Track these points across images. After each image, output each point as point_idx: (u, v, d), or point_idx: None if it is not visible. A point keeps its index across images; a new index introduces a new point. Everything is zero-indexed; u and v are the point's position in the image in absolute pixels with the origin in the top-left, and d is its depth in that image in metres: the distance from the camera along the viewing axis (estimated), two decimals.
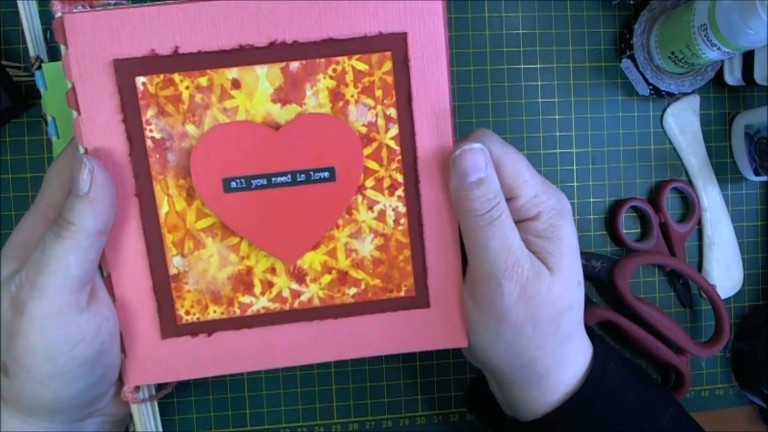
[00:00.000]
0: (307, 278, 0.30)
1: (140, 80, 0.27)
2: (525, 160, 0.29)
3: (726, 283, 0.46)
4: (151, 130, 0.28)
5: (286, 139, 0.28)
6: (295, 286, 0.30)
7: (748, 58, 0.43)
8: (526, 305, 0.28)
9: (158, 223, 0.28)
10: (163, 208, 0.28)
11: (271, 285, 0.30)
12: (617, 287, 0.43)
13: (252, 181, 0.28)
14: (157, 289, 0.29)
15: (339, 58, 0.28)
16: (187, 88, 0.27)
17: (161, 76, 0.27)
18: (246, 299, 0.30)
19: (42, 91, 0.38)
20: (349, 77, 0.28)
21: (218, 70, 0.27)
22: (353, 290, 0.30)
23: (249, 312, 0.30)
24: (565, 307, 0.29)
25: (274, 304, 0.30)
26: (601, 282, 0.44)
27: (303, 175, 0.28)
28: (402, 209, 0.29)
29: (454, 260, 0.30)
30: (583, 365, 0.31)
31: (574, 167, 0.45)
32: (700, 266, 0.46)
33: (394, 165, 0.29)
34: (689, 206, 0.46)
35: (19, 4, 0.39)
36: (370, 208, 0.29)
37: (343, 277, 0.30)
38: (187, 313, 0.30)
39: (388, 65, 0.28)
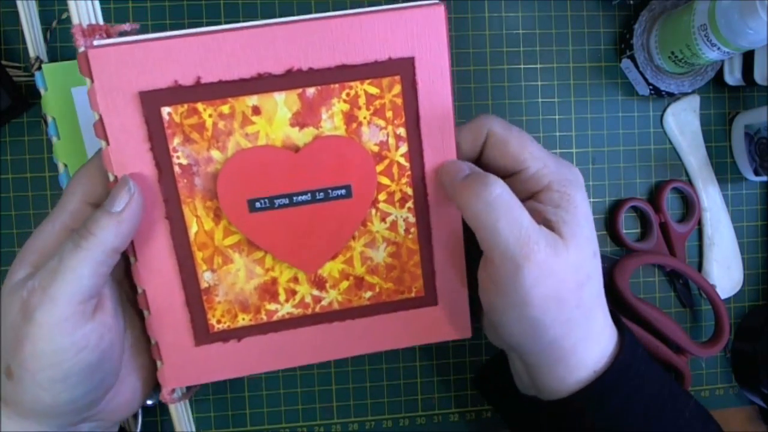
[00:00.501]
0: (327, 285, 0.32)
1: (165, 110, 0.28)
2: (530, 136, 0.30)
3: (726, 283, 0.46)
4: (178, 157, 0.29)
5: (305, 160, 0.30)
6: (316, 292, 0.32)
7: (748, 58, 0.43)
8: (547, 281, 0.28)
9: (188, 242, 0.30)
10: (193, 228, 0.30)
11: (294, 293, 0.32)
12: (617, 287, 0.43)
13: (275, 201, 0.30)
14: (189, 302, 0.31)
15: (352, 83, 0.29)
16: (210, 116, 0.29)
17: (185, 105, 0.28)
18: (272, 306, 0.32)
19: (42, 91, 0.38)
20: (362, 100, 0.29)
21: (239, 98, 0.29)
22: (369, 293, 0.33)
23: (275, 318, 0.32)
24: (585, 277, 0.29)
25: (297, 309, 0.32)
26: None
27: (322, 194, 0.30)
28: (412, 219, 0.32)
29: (459, 262, 0.33)
30: (609, 346, 0.31)
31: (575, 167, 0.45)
32: (700, 266, 0.46)
33: (404, 180, 0.31)
34: (689, 206, 0.46)
35: (19, 4, 0.39)
36: (383, 219, 0.32)
37: (359, 282, 0.32)
38: (219, 322, 0.32)
39: (397, 88, 0.30)
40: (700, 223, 0.46)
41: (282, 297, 0.32)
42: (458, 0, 0.43)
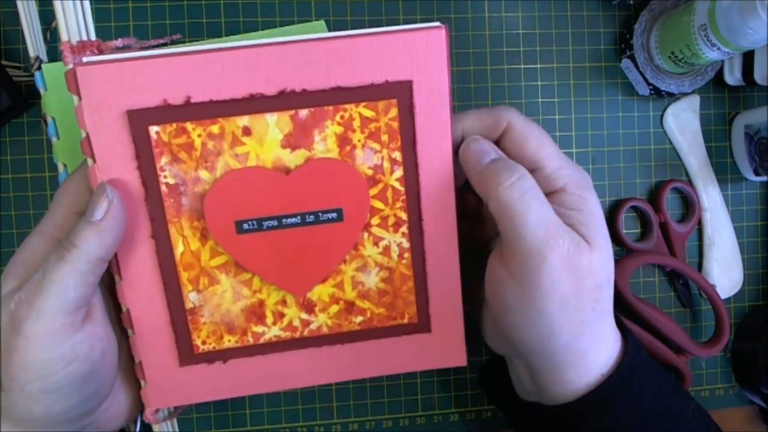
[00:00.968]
0: (316, 308, 0.32)
1: (153, 129, 0.28)
2: (548, 135, 0.30)
3: (726, 283, 0.46)
4: (165, 176, 0.29)
5: (295, 183, 0.29)
6: (304, 316, 0.32)
7: (748, 58, 0.43)
8: (570, 278, 0.28)
9: (174, 262, 0.30)
10: (179, 248, 0.30)
11: (282, 315, 0.31)
12: (617, 287, 0.43)
13: (263, 223, 0.29)
14: (174, 322, 0.31)
15: (346, 106, 0.29)
16: (199, 136, 0.28)
17: (174, 125, 0.28)
18: (259, 329, 0.31)
19: (42, 91, 0.38)
20: (356, 123, 0.29)
21: (229, 119, 0.28)
22: (359, 318, 0.32)
23: (262, 340, 0.32)
24: (604, 280, 0.29)
25: (285, 332, 0.32)
26: None
27: (312, 216, 0.30)
28: (406, 245, 0.31)
29: (455, 288, 0.32)
30: (615, 347, 0.31)
31: None
32: (700, 266, 0.46)
33: (398, 204, 0.30)
34: (689, 206, 0.46)
35: (19, 4, 0.39)
36: (376, 243, 0.31)
37: (350, 307, 0.32)
38: (204, 343, 0.31)
39: (393, 112, 0.29)
40: (700, 223, 0.46)
41: (269, 320, 0.31)
42: (458, 0, 0.43)
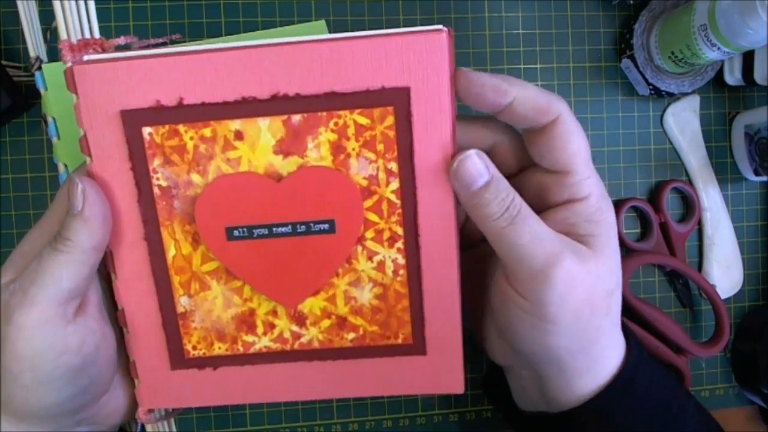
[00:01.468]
0: (307, 321, 0.31)
1: (146, 130, 0.28)
2: (587, 141, 0.29)
3: (726, 283, 0.46)
4: (158, 179, 0.28)
5: (287, 190, 0.28)
6: (295, 328, 0.31)
7: (748, 58, 0.43)
8: (580, 289, 0.28)
9: (166, 265, 0.30)
10: (171, 252, 0.29)
11: (272, 326, 0.31)
12: None
13: (254, 231, 0.29)
14: (166, 325, 0.31)
15: (341, 112, 0.27)
16: (191, 138, 0.28)
17: (166, 126, 0.28)
18: (249, 338, 0.31)
19: (42, 91, 0.38)
20: (351, 131, 0.28)
21: (221, 122, 0.28)
22: (351, 335, 0.31)
23: (252, 350, 0.31)
24: (613, 285, 0.29)
25: (275, 344, 0.31)
26: None
27: (303, 227, 0.29)
28: (401, 261, 0.30)
29: (454, 310, 0.30)
30: (622, 351, 0.31)
31: None
32: (700, 266, 0.46)
33: (394, 218, 0.29)
34: (689, 206, 0.46)
35: (19, 4, 0.39)
36: (370, 258, 0.30)
37: (342, 323, 0.31)
38: (194, 348, 0.31)
39: (390, 120, 0.28)
40: (700, 223, 0.46)
41: (260, 329, 0.31)
42: (458, 0, 0.43)
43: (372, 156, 0.28)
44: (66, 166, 0.39)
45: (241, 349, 0.31)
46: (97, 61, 0.27)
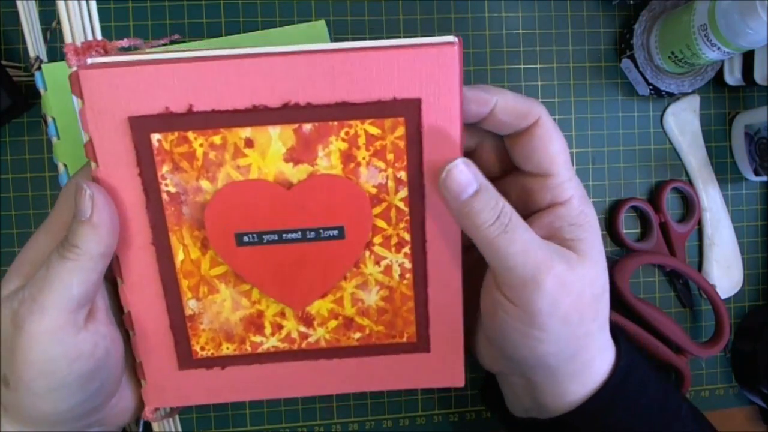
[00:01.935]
0: (315, 322, 0.31)
1: (155, 137, 0.27)
2: (566, 143, 0.30)
3: (726, 283, 0.46)
4: (166, 185, 0.28)
5: (297, 198, 0.29)
6: (303, 329, 0.31)
7: (748, 58, 0.43)
8: (568, 296, 0.28)
9: (174, 269, 0.30)
10: (179, 256, 0.29)
11: (280, 327, 0.31)
12: (617, 287, 0.43)
13: (263, 237, 0.29)
14: (174, 327, 0.31)
15: (352, 122, 0.28)
16: (201, 145, 0.28)
17: (176, 133, 0.27)
18: (257, 339, 0.31)
19: (42, 91, 0.38)
20: (362, 140, 0.28)
21: (232, 129, 0.27)
22: (358, 335, 0.32)
23: (260, 350, 0.32)
24: (600, 290, 0.30)
25: (283, 344, 0.32)
26: None
27: (313, 233, 0.29)
28: (408, 265, 0.30)
29: (456, 309, 0.31)
30: (612, 354, 0.31)
31: (574, 167, 0.45)
32: (700, 266, 0.46)
33: (402, 225, 0.30)
34: (689, 206, 0.46)
35: (19, 4, 0.39)
36: (377, 262, 0.30)
37: (348, 323, 0.31)
38: (202, 349, 0.31)
39: (400, 130, 0.28)
40: (700, 223, 0.46)
41: (268, 330, 0.31)
42: (458, 0, 0.43)
43: (382, 165, 0.28)
44: (66, 166, 0.39)
45: (249, 349, 0.31)
46: (104, 66, 0.27)
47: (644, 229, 0.46)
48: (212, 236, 0.29)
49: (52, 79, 0.38)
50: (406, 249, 0.30)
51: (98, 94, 0.27)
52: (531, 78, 0.44)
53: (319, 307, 0.31)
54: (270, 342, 0.31)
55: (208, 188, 0.28)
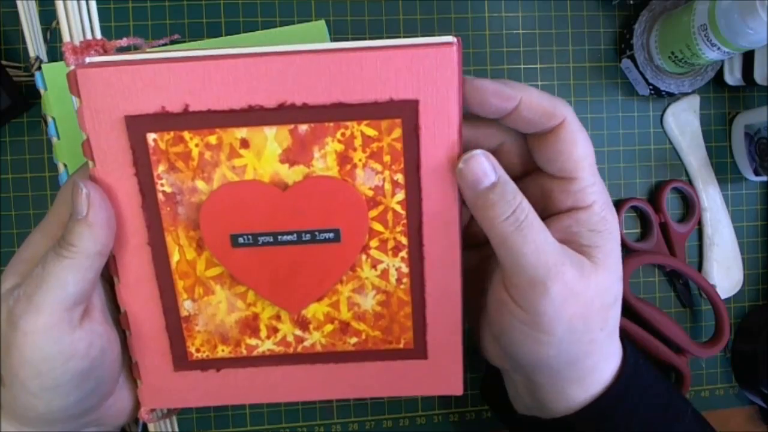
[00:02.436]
0: (311, 326, 0.31)
1: (151, 136, 0.27)
2: (592, 145, 0.28)
3: (726, 283, 0.46)
4: (162, 185, 0.28)
5: (293, 199, 0.28)
6: (298, 332, 0.31)
7: (748, 58, 0.43)
8: (576, 302, 0.27)
9: (170, 270, 0.30)
10: (174, 257, 0.29)
11: (276, 330, 0.31)
12: None
13: (258, 238, 0.29)
14: (169, 328, 0.31)
15: (348, 123, 0.27)
16: (196, 145, 0.28)
17: (171, 133, 0.27)
18: (252, 341, 0.31)
19: (42, 91, 0.38)
20: (358, 142, 0.28)
21: (227, 130, 0.27)
22: (354, 339, 0.31)
23: (255, 353, 0.31)
24: (612, 299, 0.29)
25: (278, 347, 0.31)
26: None
27: (308, 235, 0.29)
28: (405, 269, 0.30)
29: (455, 315, 0.31)
30: (617, 361, 0.31)
31: None
32: (700, 266, 0.46)
33: (399, 228, 0.29)
34: (689, 206, 0.46)
35: (19, 4, 0.39)
36: (374, 266, 0.30)
37: (344, 327, 0.31)
38: (198, 350, 0.31)
39: (397, 132, 0.28)
40: (700, 223, 0.46)
41: (263, 333, 0.31)
42: (458, 0, 0.43)
43: (378, 167, 0.28)
44: (66, 166, 0.39)
45: (245, 352, 0.31)
46: (101, 65, 0.27)
47: (644, 229, 0.46)
48: (207, 237, 0.29)
49: (52, 79, 0.38)
50: (403, 253, 0.30)
51: (95, 93, 0.27)
52: (531, 78, 0.44)
53: (315, 310, 0.31)
54: (265, 345, 0.31)
55: (203, 188, 0.28)
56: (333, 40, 0.42)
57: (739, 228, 0.47)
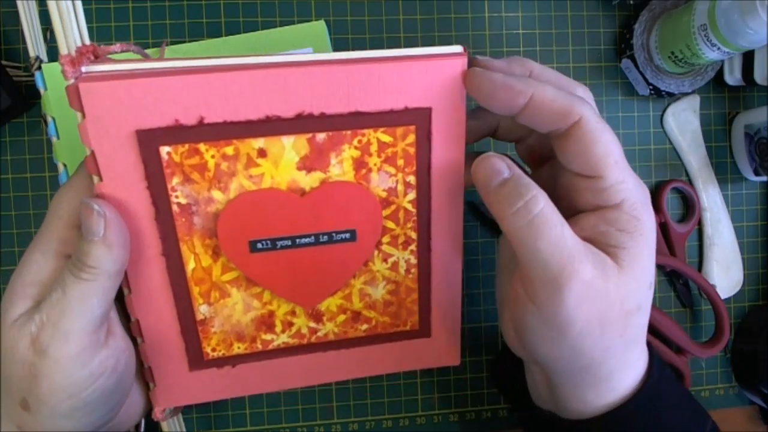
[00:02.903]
0: (324, 318, 0.32)
1: (164, 150, 0.26)
2: (619, 143, 0.27)
3: (726, 283, 0.46)
4: (176, 196, 0.28)
5: (310, 204, 0.29)
6: (312, 324, 0.32)
7: (748, 58, 0.43)
8: (593, 304, 0.26)
9: (185, 277, 0.29)
10: (190, 265, 0.29)
11: (291, 324, 0.32)
12: None
13: (277, 243, 0.29)
14: (185, 332, 0.31)
15: (365, 131, 0.28)
16: (212, 156, 0.27)
17: (186, 145, 0.27)
18: (268, 336, 0.32)
19: (42, 91, 0.38)
20: (374, 148, 0.28)
21: (244, 140, 0.27)
22: (365, 326, 0.33)
23: (270, 347, 0.32)
24: (634, 306, 0.27)
25: (293, 339, 0.33)
26: None
27: (326, 237, 0.30)
28: (413, 261, 0.32)
29: (456, 298, 0.34)
30: (642, 369, 0.29)
31: None
32: (700, 266, 0.46)
33: (409, 224, 0.31)
34: (689, 206, 0.46)
35: (19, 4, 0.39)
36: (385, 260, 0.31)
37: (356, 316, 0.33)
38: (213, 350, 0.32)
39: (411, 137, 0.29)
40: (700, 223, 0.46)
41: (278, 328, 0.32)
42: (458, 0, 0.43)
43: (392, 170, 0.29)
44: (66, 166, 0.39)
45: (260, 347, 0.32)
46: (104, 77, 0.25)
47: None
48: (225, 244, 0.29)
49: (52, 79, 0.38)
50: (413, 246, 0.31)
51: (101, 107, 0.25)
52: None
53: (329, 303, 0.32)
54: (280, 339, 0.32)
55: (219, 198, 0.28)
56: (333, 40, 0.42)
57: (739, 228, 0.47)
